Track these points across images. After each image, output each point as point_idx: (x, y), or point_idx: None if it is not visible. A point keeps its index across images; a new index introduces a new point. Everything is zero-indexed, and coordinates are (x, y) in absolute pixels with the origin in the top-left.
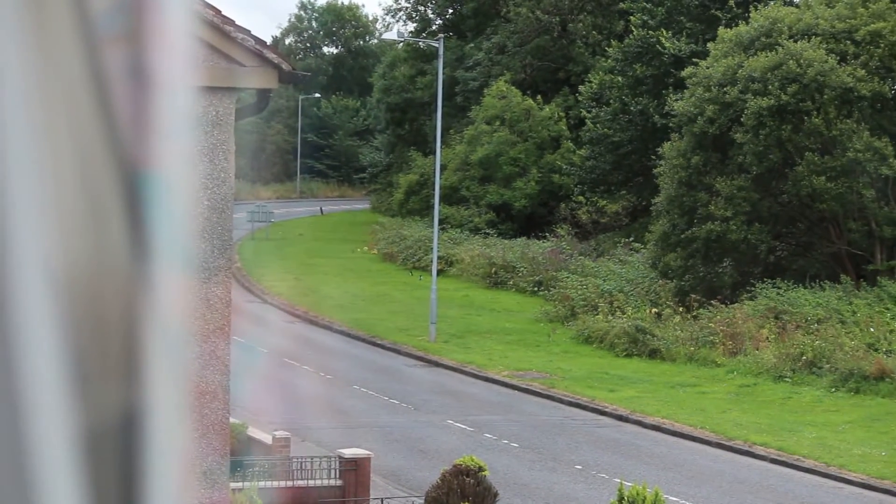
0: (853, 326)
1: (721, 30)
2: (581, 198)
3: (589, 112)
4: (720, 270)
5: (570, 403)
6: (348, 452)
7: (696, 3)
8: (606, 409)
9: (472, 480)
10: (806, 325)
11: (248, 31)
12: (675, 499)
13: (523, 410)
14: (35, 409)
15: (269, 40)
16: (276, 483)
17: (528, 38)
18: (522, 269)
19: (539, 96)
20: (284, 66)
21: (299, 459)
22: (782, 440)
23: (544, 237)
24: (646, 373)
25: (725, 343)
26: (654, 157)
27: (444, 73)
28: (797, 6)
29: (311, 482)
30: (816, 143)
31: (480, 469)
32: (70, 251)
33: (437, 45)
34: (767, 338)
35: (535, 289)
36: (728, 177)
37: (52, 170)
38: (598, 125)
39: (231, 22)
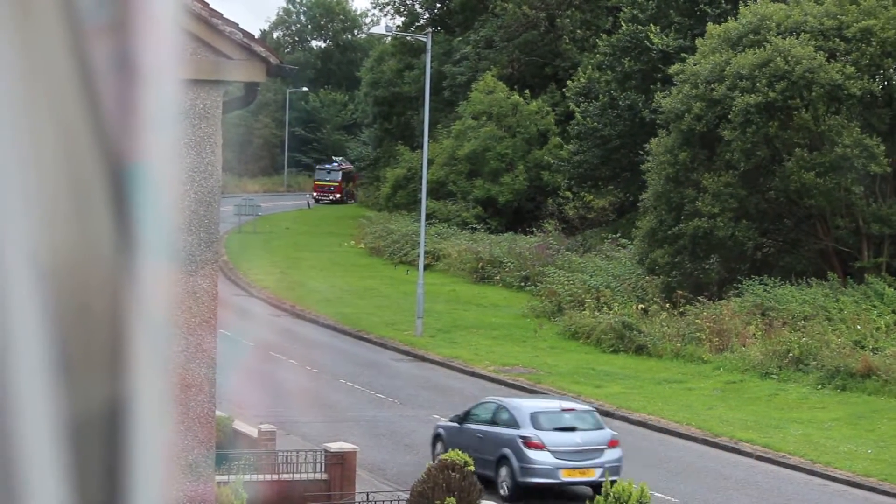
0: (840, 324)
1: (710, 26)
2: (568, 193)
3: (577, 106)
4: (707, 267)
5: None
6: (334, 446)
7: None
8: (592, 405)
9: (457, 475)
10: (792, 322)
11: (235, 24)
12: (660, 495)
13: None
14: (20, 399)
15: (256, 34)
16: (261, 476)
17: (516, 33)
18: (509, 264)
19: (526, 91)
20: (272, 59)
21: (285, 453)
22: (768, 437)
23: (531, 232)
24: (632, 369)
25: (712, 339)
26: (641, 152)
27: (431, 68)
28: (786, 3)
29: (297, 476)
30: (804, 139)
31: (466, 464)
32: (56, 242)
33: (424, 39)
34: (754, 334)
35: (522, 284)
36: (715, 173)
37: (38, 161)
38: (587, 119)
39: (219, 15)
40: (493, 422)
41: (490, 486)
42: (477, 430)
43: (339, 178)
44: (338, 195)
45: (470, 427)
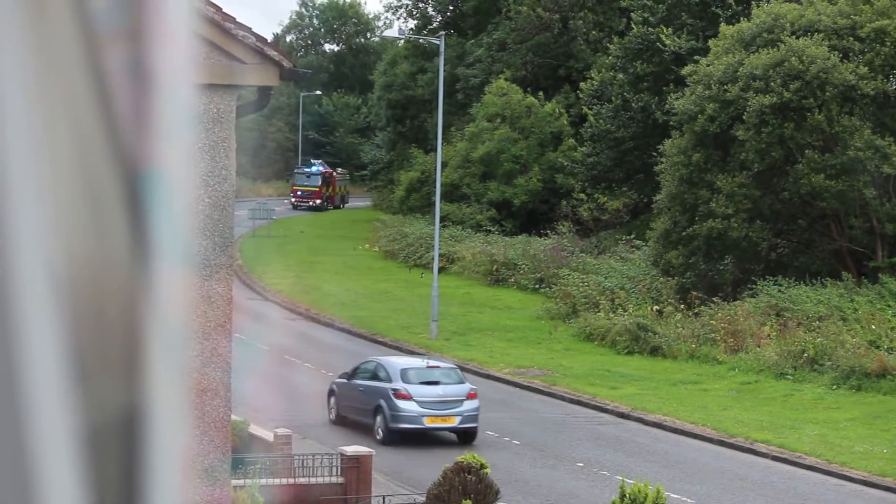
0: (854, 324)
1: (723, 26)
2: (582, 195)
3: (590, 109)
4: (721, 268)
5: (572, 401)
6: (350, 450)
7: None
8: (608, 407)
9: (473, 478)
10: (807, 323)
11: (248, 29)
12: (676, 496)
13: (525, 408)
14: (36, 406)
15: (269, 38)
16: (277, 480)
17: (529, 36)
18: (524, 266)
19: (540, 93)
20: (285, 63)
21: (301, 457)
22: (783, 437)
23: (546, 234)
24: (647, 370)
25: (727, 340)
26: (655, 153)
27: (444, 71)
28: (799, 2)
29: (313, 479)
30: (818, 140)
31: (482, 466)
32: (71, 248)
33: (438, 42)
34: (769, 335)
35: (537, 286)
36: (729, 174)
37: (53, 167)
38: (600, 121)
39: (232, 19)
40: (373, 377)
41: (369, 431)
42: (360, 384)
43: (319, 183)
44: (317, 201)
45: (356, 382)
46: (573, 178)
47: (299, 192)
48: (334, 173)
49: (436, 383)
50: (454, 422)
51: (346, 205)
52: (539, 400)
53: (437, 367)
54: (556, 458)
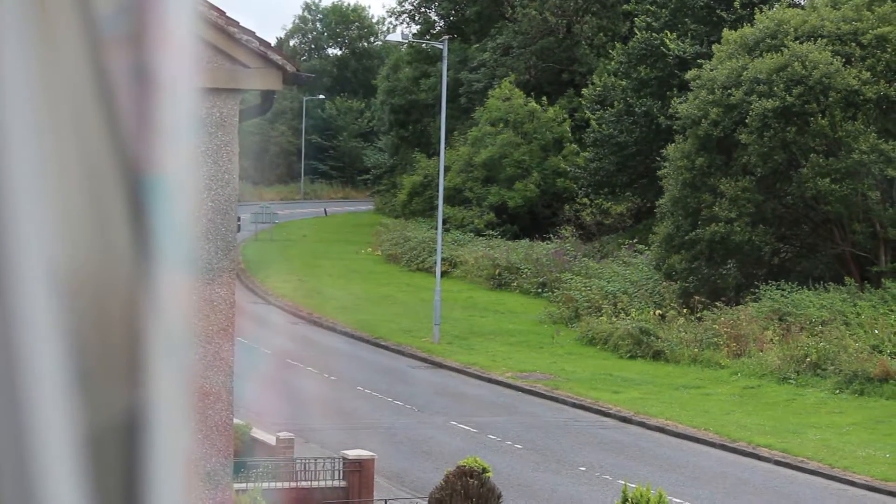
0: (857, 328)
1: (726, 31)
2: (585, 199)
3: (593, 113)
4: (724, 272)
5: (574, 405)
6: (352, 454)
7: (701, 4)
8: (610, 411)
9: (475, 482)
10: (810, 327)
11: (252, 33)
12: (678, 500)
13: (527, 412)
14: (39, 410)
15: (272, 42)
16: (279, 484)
17: (533, 40)
18: (526, 270)
19: (543, 97)
20: (289, 67)
21: (303, 461)
22: (786, 442)
23: (548, 239)
24: (650, 374)
25: (729, 345)
26: (658, 158)
27: (447, 75)
28: (803, 8)
29: (315, 483)
30: (821, 144)
31: (484, 470)
32: (74, 252)
33: (441, 46)
34: (772, 339)
35: (539, 290)
36: (732, 178)
37: (56, 171)
38: (602, 126)
39: (235, 23)
40: None
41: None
42: None
43: None
44: None
45: None
46: (574, 182)
47: None
48: None
49: None
50: None
51: None
52: (541, 404)
53: None
54: (559, 462)
